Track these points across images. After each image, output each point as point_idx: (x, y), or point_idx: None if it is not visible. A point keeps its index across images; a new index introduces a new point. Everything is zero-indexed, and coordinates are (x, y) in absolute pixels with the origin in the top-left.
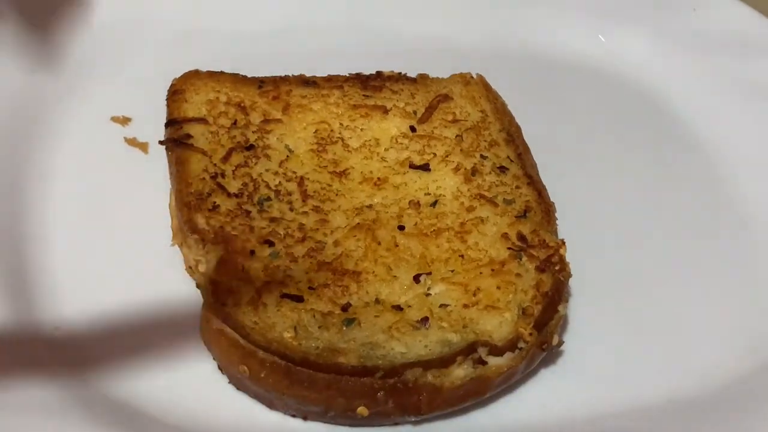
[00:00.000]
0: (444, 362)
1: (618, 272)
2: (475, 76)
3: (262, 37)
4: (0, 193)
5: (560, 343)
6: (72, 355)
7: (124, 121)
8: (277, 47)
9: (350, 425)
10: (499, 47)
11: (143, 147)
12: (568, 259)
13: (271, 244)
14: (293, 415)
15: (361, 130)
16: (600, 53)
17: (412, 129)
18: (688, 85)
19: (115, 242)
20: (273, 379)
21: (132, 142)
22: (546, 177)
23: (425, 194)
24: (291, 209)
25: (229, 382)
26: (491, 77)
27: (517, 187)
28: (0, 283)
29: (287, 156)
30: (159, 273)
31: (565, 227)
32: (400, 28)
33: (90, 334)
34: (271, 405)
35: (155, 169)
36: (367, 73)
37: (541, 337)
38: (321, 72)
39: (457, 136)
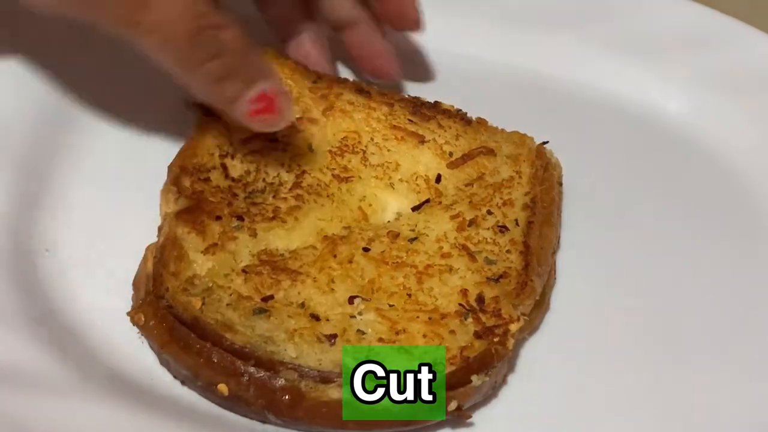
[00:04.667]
0: (324, 378)
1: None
2: (536, 142)
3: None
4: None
5: (466, 415)
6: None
7: None
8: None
9: (217, 403)
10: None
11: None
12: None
13: (240, 218)
14: (174, 377)
15: (388, 151)
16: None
17: (438, 179)
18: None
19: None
20: (157, 331)
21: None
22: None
23: (410, 230)
24: (274, 197)
25: None
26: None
27: (508, 251)
28: None
29: (304, 153)
30: None
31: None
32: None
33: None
34: (159, 360)
35: None
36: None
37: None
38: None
39: (467, 184)
